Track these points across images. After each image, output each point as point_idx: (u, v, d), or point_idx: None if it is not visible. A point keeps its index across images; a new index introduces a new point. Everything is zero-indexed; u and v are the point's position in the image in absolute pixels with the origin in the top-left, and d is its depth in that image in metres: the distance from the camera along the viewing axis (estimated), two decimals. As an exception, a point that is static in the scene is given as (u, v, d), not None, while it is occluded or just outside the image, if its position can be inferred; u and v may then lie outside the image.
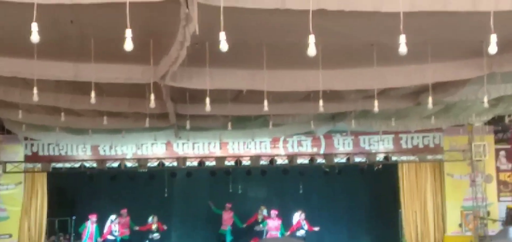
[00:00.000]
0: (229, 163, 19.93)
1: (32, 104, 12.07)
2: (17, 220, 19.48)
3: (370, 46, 8.85)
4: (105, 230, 19.43)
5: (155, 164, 19.78)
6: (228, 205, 20.45)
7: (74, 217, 20.01)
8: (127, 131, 16.48)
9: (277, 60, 9.41)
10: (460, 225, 19.75)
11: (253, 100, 11.86)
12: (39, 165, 19.59)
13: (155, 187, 20.60)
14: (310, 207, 20.43)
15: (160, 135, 17.38)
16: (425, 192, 20.23)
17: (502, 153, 20.02)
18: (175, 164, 19.83)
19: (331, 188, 21.67)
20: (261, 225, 19.85)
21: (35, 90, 9.32)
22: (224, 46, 6.28)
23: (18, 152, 19.55)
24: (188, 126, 14.31)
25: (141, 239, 19.69)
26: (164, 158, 19.83)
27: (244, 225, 20.23)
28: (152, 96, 10.01)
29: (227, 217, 20.41)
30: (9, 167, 19.30)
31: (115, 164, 19.74)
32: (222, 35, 6.22)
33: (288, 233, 19.46)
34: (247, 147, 19.71)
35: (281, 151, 20.01)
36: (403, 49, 6.39)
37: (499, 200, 19.86)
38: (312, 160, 19.86)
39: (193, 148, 19.78)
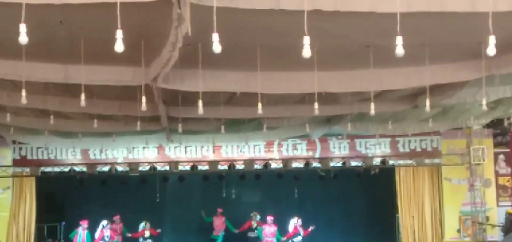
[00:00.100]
0: (223, 167, 19.82)
1: (20, 107, 11.95)
2: (5, 225, 19.25)
3: (366, 47, 8.77)
4: (97, 235, 19.25)
5: (147, 168, 19.65)
6: (220, 210, 20.34)
7: (63, 223, 19.87)
8: (118, 134, 16.34)
9: (271, 62, 9.35)
10: (458, 231, 19.66)
11: (247, 102, 11.80)
12: (27, 169, 19.44)
13: (146, 192, 20.49)
14: (306, 212, 20.34)
15: (152, 138, 17.29)
16: (423, 197, 20.12)
17: (501, 156, 19.94)
18: (167, 168, 19.71)
19: (326, 192, 21.58)
20: (255, 231, 19.72)
21: (23, 93, 9.20)
22: (217, 47, 6.21)
23: (6, 156, 19.40)
24: (180, 129, 14.23)
25: (133, 245, 19.61)
26: (156, 162, 19.71)
27: (237, 231, 20.10)
28: (144, 99, 9.92)
29: (219, 222, 20.31)
30: (-4, 171, 19.14)
31: (106, 168, 19.58)
32: (215, 36, 6.16)
33: (284, 238, 19.36)
34: (241, 151, 19.60)
35: (275, 155, 19.93)
36: (400, 51, 6.32)
37: (498, 205, 19.75)
38: (307, 164, 19.77)
39: (186, 152, 19.67)
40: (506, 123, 17.61)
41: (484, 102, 10.76)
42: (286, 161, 19.80)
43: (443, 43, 8.72)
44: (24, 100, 9.19)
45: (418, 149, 19.88)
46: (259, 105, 10.03)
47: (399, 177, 20.16)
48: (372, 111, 10.61)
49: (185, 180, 20.32)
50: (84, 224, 18.92)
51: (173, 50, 7.64)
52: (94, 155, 19.45)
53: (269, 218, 19.48)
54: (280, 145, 19.79)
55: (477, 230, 19.32)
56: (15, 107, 12.56)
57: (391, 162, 19.96)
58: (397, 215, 20.20)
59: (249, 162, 19.61)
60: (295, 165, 19.76)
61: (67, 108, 12.45)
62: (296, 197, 20.78)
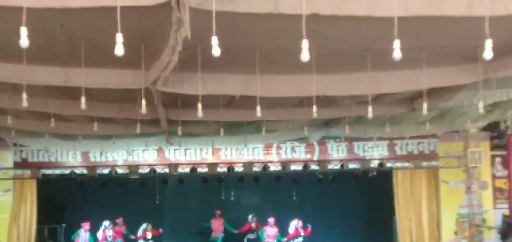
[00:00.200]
0: (222, 169, 19.82)
1: (21, 110, 11.93)
2: (5, 227, 19.24)
3: (364, 51, 8.79)
4: (100, 236, 19.27)
5: (147, 170, 19.66)
6: (218, 212, 20.36)
7: (64, 225, 19.85)
8: (118, 137, 16.33)
9: (270, 65, 9.34)
10: (456, 233, 19.65)
11: (245, 106, 11.82)
12: (28, 172, 19.45)
13: (146, 194, 20.50)
14: (304, 214, 20.35)
15: (152, 141, 17.27)
16: (420, 199, 20.13)
17: (498, 159, 19.93)
18: (166, 170, 19.73)
19: (325, 195, 21.60)
20: (255, 233, 19.74)
21: (24, 96, 9.21)
22: (216, 51, 6.22)
23: (7, 158, 19.38)
24: (180, 132, 14.24)
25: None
26: (155, 165, 19.72)
27: (237, 231, 20.10)
28: (143, 102, 9.92)
29: (218, 224, 20.30)
30: (-3, 174, 19.13)
31: (106, 171, 19.59)
32: (214, 40, 6.16)
33: (285, 239, 19.37)
34: (240, 153, 19.62)
35: (274, 157, 19.93)
36: (397, 54, 6.34)
37: (495, 207, 19.74)
38: (305, 166, 19.76)
39: (185, 154, 19.67)
40: (503, 126, 17.72)
41: (481, 105, 10.75)
42: (284, 164, 19.80)
43: (440, 47, 8.72)
44: (25, 103, 9.19)
45: (416, 152, 19.88)
46: (258, 108, 10.04)
47: (396, 180, 20.17)
48: (370, 115, 10.63)
49: (184, 183, 20.35)
50: (86, 225, 18.93)
51: (173, 53, 7.64)
52: (95, 157, 19.44)
53: (271, 220, 19.52)
54: (278, 148, 19.79)
55: (474, 232, 19.30)
56: (16, 110, 12.55)
57: (388, 165, 19.96)
58: (394, 218, 20.20)
59: (248, 165, 19.61)
60: (293, 167, 19.74)
61: (68, 111, 12.44)
62: (294, 199, 20.79)
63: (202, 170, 19.79)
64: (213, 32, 6.07)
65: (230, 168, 19.75)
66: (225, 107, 12.69)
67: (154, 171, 19.70)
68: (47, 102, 11.96)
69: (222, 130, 14.82)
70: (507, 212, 19.07)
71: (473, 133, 18.73)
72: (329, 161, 19.84)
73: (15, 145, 18.93)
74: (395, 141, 19.64)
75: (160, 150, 19.45)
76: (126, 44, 6.05)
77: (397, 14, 6.29)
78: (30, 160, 19.42)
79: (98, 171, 19.51)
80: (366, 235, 21.52)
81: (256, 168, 19.77)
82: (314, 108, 10.29)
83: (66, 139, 16.69)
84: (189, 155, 19.67)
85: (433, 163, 19.86)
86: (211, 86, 10.03)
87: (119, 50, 6.01)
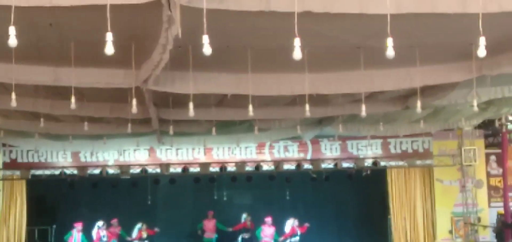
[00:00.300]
0: (214, 169, 19.76)
1: (10, 110, 11.88)
2: (-5, 229, 19.18)
3: (357, 49, 8.75)
4: (94, 237, 19.19)
5: (138, 170, 19.60)
6: (210, 213, 20.24)
7: (54, 226, 19.74)
8: (109, 136, 16.28)
9: (262, 63, 9.29)
10: (451, 232, 19.68)
11: (237, 104, 11.76)
12: (18, 172, 19.35)
13: (138, 194, 20.44)
14: (297, 214, 20.26)
15: (143, 141, 17.22)
16: (415, 198, 20.14)
17: (493, 157, 19.96)
18: (158, 170, 19.68)
19: (318, 194, 21.54)
20: (250, 233, 19.68)
21: (13, 96, 9.09)
22: (207, 49, 6.16)
23: (-5, 159, 19.29)
24: (171, 131, 14.21)
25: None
26: (147, 165, 19.67)
27: (231, 229, 20.05)
28: (134, 101, 9.87)
29: (211, 225, 20.20)
30: (-14, 175, 19.05)
31: (97, 171, 19.54)
32: (205, 39, 6.10)
33: (282, 239, 19.35)
34: (232, 153, 19.60)
35: (267, 157, 19.91)
36: (390, 52, 6.30)
37: (489, 206, 19.80)
38: (299, 165, 19.74)
39: (177, 154, 19.64)
40: (497, 124, 17.72)
41: (475, 103, 10.78)
42: (277, 163, 19.78)
43: (434, 44, 8.70)
44: (14, 103, 9.06)
45: (410, 150, 19.91)
46: (250, 107, 9.98)
47: (390, 178, 20.18)
48: (363, 113, 10.58)
49: (176, 183, 20.25)
50: (79, 226, 18.78)
51: (164, 52, 7.60)
52: (85, 157, 19.38)
53: (268, 219, 19.45)
54: (271, 147, 19.78)
55: (469, 231, 19.33)
56: (5, 110, 12.44)
57: (382, 163, 19.96)
58: (389, 217, 20.21)
59: (241, 164, 19.58)
60: (286, 166, 19.74)
61: (58, 111, 12.39)
62: (288, 198, 20.72)
63: (194, 169, 19.75)
64: (204, 30, 6.01)
65: (223, 168, 19.70)
66: (217, 106, 12.66)
67: (146, 171, 19.64)
68: (36, 102, 11.89)
69: (214, 129, 14.78)
70: (502, 210, 19.05)
71: (467, 131, 18.74)
72: (323, 160, 19.84)
73: (4, 145, 18.89)
74: (389, 140, 19.65)
75: (151, 150, 19.39)
76: (116, 43, 5.98)
77: (390, 12, 6.25)
78: (19, 160, 19.35)
79: (89, 171, 19.45)
80: (360, 235, 21.52)
81: (248, 168, 19.74)
82: (307, 107, 10.28)
83: (56, 139, 16.60)
84: (181, 155, 19.62)
85: (428, 162, 19.87)
86: (203, 85, 10.02)
87: (109, 49, 5.93)
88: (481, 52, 6.53)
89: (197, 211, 20.93)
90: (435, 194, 19.90)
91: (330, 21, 7.11)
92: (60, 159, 19.37)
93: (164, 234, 20.03)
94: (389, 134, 18.07)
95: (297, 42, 6.08)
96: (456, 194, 19.66)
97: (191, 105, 9.75)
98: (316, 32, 7.49)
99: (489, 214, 19.63)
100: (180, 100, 11.35)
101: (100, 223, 19.20)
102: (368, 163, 19.82)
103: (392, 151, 19.89)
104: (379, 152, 19.86)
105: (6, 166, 19.33)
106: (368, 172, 19.87)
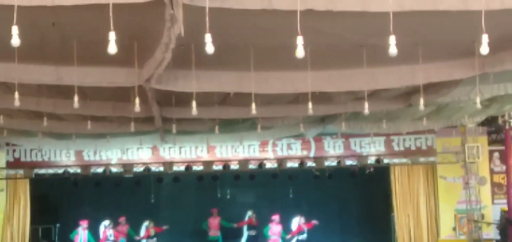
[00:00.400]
0: (217, 167, 19.76)
1: (14, 109, 11.82)
2: (-1, 228, 19.19)
3: (359, 47, 8.74)
4: (101, 236, 19.22)
5: (141, 169, 19.58)
6: (214, 210, 20.24)
7: (58, 225, 19.75)
8: (112, 135, 16.26)
9: (264, 62, 9.30)
10: (454, 229, 19.65)
11: (240, 103, 11.75)
12: (21, 171, 19.41)
13: (141, 193, 20.46)
14: (301, 212, 20.24)
15: (146, 139, 17.21)
16: (418, 195, 20.09)
17: (496, 154, 19.91)
18: (161, 169, 19.67)
19: (321, 192, 21.53)
20: (256, 230, 19.69)
21: (16, 95, 9.11)
22: (210, 48, 6.17)
23: (-1, 158, 19.29)
24: (174, 130, 14.17)
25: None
26: (150, 163, 19.65)
27: (235, 225, 20.07)
28: (137, 100, 9.86)
29: (215, 223, 20.20)
30: (-10, 174, 19.07)
31: (100, 170, 19.53)
32: (208, 37, 6.11)
33: (289, 236, 19.33)
34: (235, 151, 19.55)
35: (270, 155, 19.88)
36: (393, 50, 6.30)
37: (493, 203, 19.75)
38: (302, 163, 19.73)
39: (180, 152, 19.61)
40: (500, 121, 17.69)
41: (478, 100, 10.72)
42: (280, 161, 19.76)
43: (437, 42, 8.69)
44: (17, 102, 9.10)
45: (413, 148, 19.86)
46: (253, 105, 9.97)
47: (394, 176, 20.12)
48: (366, 111, 10.54)
49: (179, 181, 20.30)
50: (84, 224, 18.78)
51: (166, 51, 7.59)
52: (88, 156, 19.37)
53: (276, 217, 19.41)
54: (274, 145, 19.75)
55: (473, 228, 19.31)
56: (8, 110, 12.47)
57: (386, 161, 19.92)
58: (392, 214, 20.17)
59: (244, 162, 19.58)
60: (289, 164, 19.73)
61: (61, 110, 12.36)
62: (291, 196, 20.75)
63: (197, 168, 19.74)
64: (207, 29, 6.01)
65: (226, 166, 19.70)
66: (219, 105, 12.64)
67: (149, 169, 19.62)
68: (39, 101, 11.88)
69: (217, 127, 14.80)
70: (505, 207, 19.02)
71: (470, 128, 18.72)
72: (326, 158, 19.82)
73: (7, 144, 18.87)
74: (392, 137, 19.61)
75: (154, 148, 19.38)
76: (118, 42, 5.98)
77: (392, 9, 6.25)
78: (23, 159, 19.37)
79: (92, 170, 19.45)
80: (364, 232, 21.51)
81: (252, 165, 19.74)
82: (310, 105, 10.24)
83: (59, 138, 16.60)
84: (184, 153, 19.60)
85: (431, 159, 19.83)
86: (206, 83, 9.98)
87: (112, 48, 5.94)
88: (484, 49, 6.53)
89: (200, 209, 20.95)
90: (439, 191, 19.85)
91: (332, 19, 7.09)
92: (64, 157, 19.37)
93: (168, 232, 20.03)
94: (392, 131, 18.03)
95: (299, 40, 6.09)
96: (459, 191, 19.61)
97: (194, 103, 9.75)
98: (319, 30, 7.47)
99: (493, 211, 19.59)
100: (183, 99, 11.35)
101: (106, 222, 19.22)
102: (371, 160, 19.78)
103: (396, 148, 19.85)
104: (382, 149, 19.81)
105: (9, 165, 19.33)
106: (371, 169, 19.86)
